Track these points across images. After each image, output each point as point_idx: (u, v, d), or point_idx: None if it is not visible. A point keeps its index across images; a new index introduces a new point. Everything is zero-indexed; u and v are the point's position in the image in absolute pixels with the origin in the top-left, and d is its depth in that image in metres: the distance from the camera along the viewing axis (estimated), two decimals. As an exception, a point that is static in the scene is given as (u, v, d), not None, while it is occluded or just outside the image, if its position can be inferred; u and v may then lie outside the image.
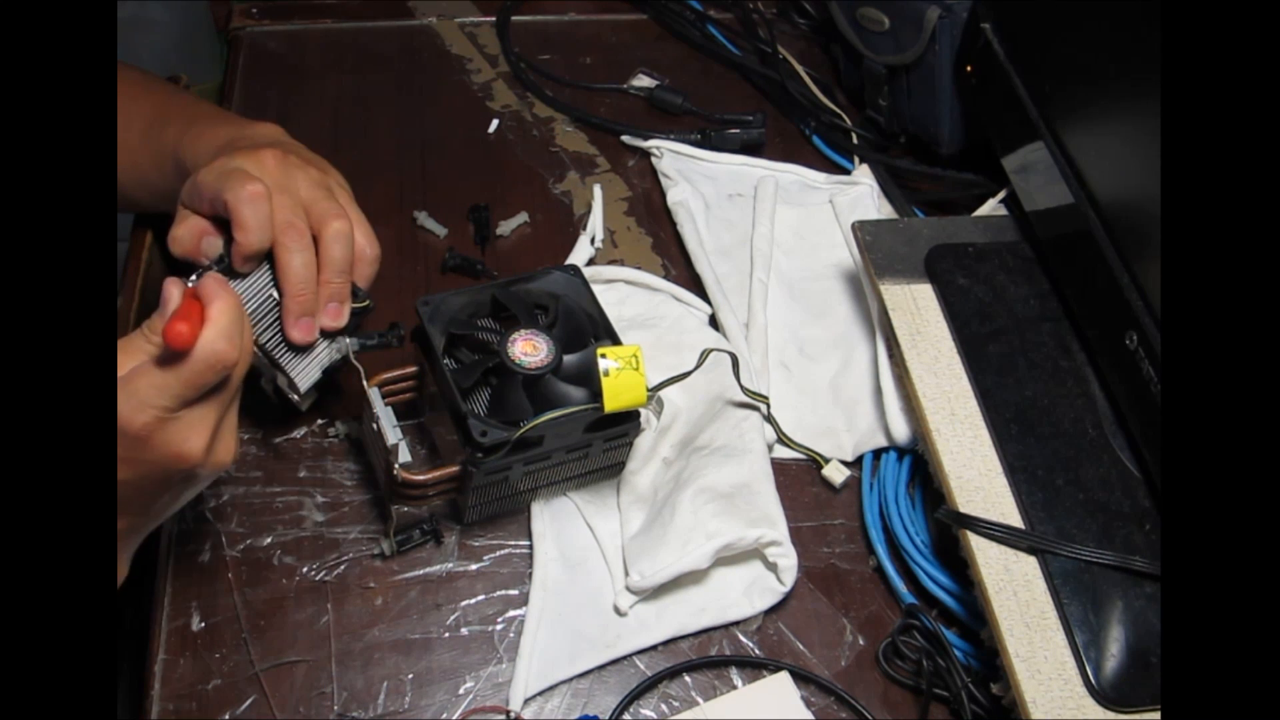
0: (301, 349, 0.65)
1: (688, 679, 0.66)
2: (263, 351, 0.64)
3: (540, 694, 0.64)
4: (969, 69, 0.87)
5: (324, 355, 0.66)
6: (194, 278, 0.63)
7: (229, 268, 0.63)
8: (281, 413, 0.72)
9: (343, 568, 0.68)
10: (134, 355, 0.53)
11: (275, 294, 0.64)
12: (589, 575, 0.69)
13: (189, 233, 0.63)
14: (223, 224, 0.63)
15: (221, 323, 0.53)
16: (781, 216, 0.89)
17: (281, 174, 0.63)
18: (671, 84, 1.01)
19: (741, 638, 0.68)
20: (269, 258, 0.63)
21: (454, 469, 0.65)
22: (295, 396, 0.66)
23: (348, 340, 0.66)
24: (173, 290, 0.55)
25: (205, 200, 0.62)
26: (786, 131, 1.00)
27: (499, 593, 0.68)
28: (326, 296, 0.63)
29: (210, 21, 1.36)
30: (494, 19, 1.07)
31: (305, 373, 0.65)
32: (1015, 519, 0.65)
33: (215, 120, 0.70)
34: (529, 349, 0.65)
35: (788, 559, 0.68)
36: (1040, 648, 0.61)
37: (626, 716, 0.64)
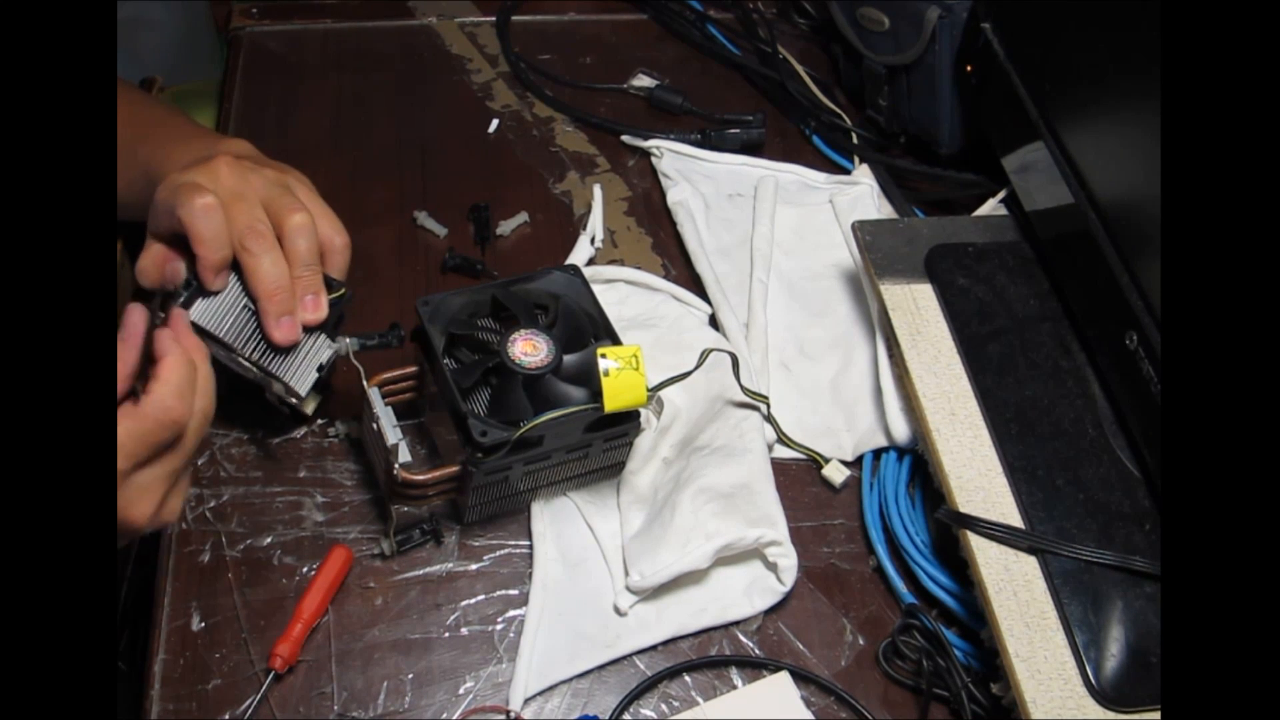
0: (289, 351, 0.64)
1: (688, 679, 0.66)
2: (253, 365, 0.64)
3: (540, 694, 0.64)
4: (969, 69, 0.87)
5: (315, 353, 0.65)
6: (163, 303, 0.62)
7: (200, 288, 0.62)
8: (289, 418, 0.73)
9: (343, 568, 0.68)
10: None
11: (250, 303, 0.63)
12: (589, 575, 0.69)
13: (153, 264, 0.63)
14: (185, 242, 0.62)
15: (172, 380, 0.54)
16: (781, 216, 0.89)
17: (235, 179, 0.62)
18: (671, 84, 1.01)
19: (741, 638, 0.68)
20: (237, 269, 0.62)
21: (454, 469, 0.65)
22: (295, 400, 0.66)
23: (347, 340, 0.66)
24: (134, 316, 0.56)
25: (163, 220, 0.62)
26: (786, 131, 1.00)
27: (499, 593, 0.68)
28: (300, 290, 0.63)
29: (210, 21, 1.36)
30: (494, 19, 1.07)
31: (301, 375, 0.65)
32: (1015, 519, 0.65)
33: (187, 137, 0.70)
34: (529, 349, 0.65)
35: (788, 559, 0.68)
36: (1040, 648, 0.61)
37: (626, 716, 0.64)
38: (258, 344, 0.63)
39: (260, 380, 0.65)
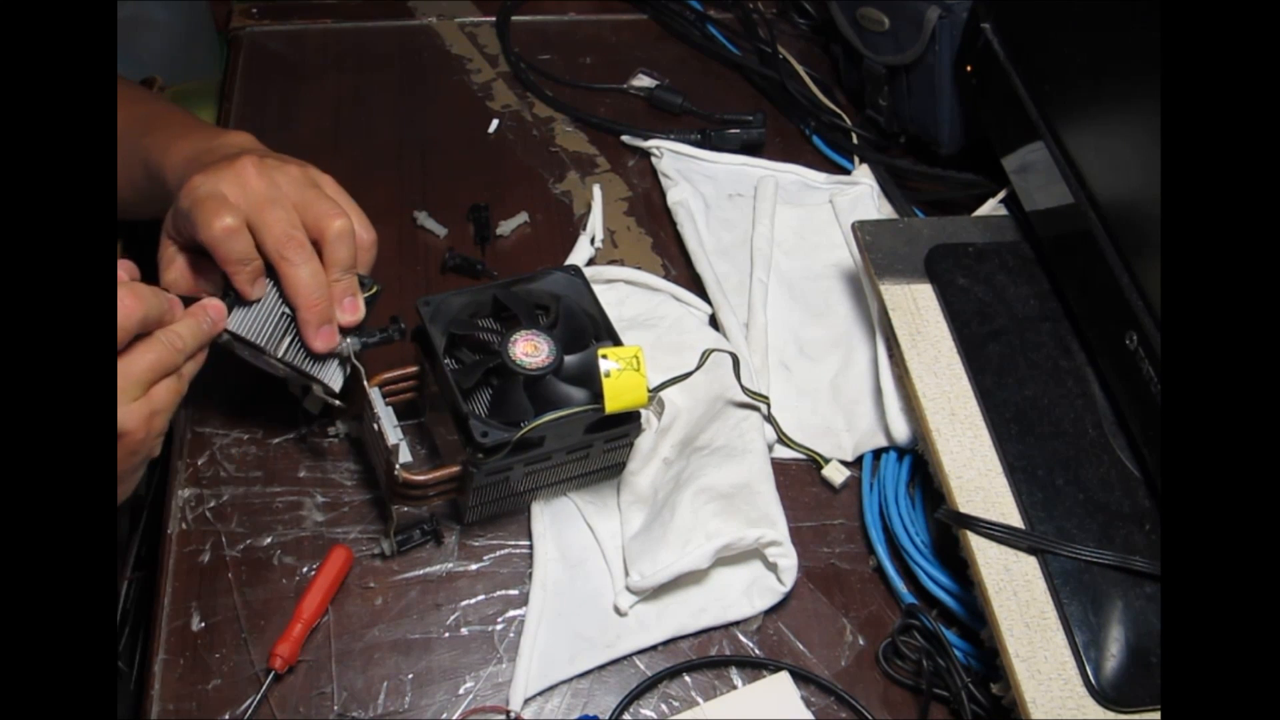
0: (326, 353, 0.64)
1: (688, 679, 0.66)
2: (289, 366, 0.64)
3: (540, 694, 0.64)
4: (969, 69, 0.87)
5: (346, 350, 0.66)
6: None
7: (237, 298, 0.62)
8: (294, 412, 0.73)
9: (343, 568, 0.68)
10: None
11: (287, 308, 0.63)
12: (589, 575, 0.69)
13: (181, 276, 0.63)
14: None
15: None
16: (781, 216, 0.89)
17: (265, 182, 0.61)
18: (671, 84, 1.01)
19: (741, 638, 0.68)
20: (271, 273, 0.62)
21: (454, 469, 0.65)
22: (336, 402, 0.66)
23: (349, 340, 0.66)
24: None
25: (184, 228, 0.61)
26: (786, 131, 1.00)
27: (499, 593, 0.68)
28: (338, 294, 0.63)
29: (210, 21, 1.36)
30: (494, 19, 1.07)
31: (335, 373, 0.65)
32: (1015, 519, 0.65)
33: (187, 130, 0.69)
34: (530, 349, 0.65)
35: (788, 559, 0.68)
36: (1040, 648, 0.61)
37: (626, 716, 0.64)
38: (294, 347, 0.64)
39: (290, 378, 0.65)
